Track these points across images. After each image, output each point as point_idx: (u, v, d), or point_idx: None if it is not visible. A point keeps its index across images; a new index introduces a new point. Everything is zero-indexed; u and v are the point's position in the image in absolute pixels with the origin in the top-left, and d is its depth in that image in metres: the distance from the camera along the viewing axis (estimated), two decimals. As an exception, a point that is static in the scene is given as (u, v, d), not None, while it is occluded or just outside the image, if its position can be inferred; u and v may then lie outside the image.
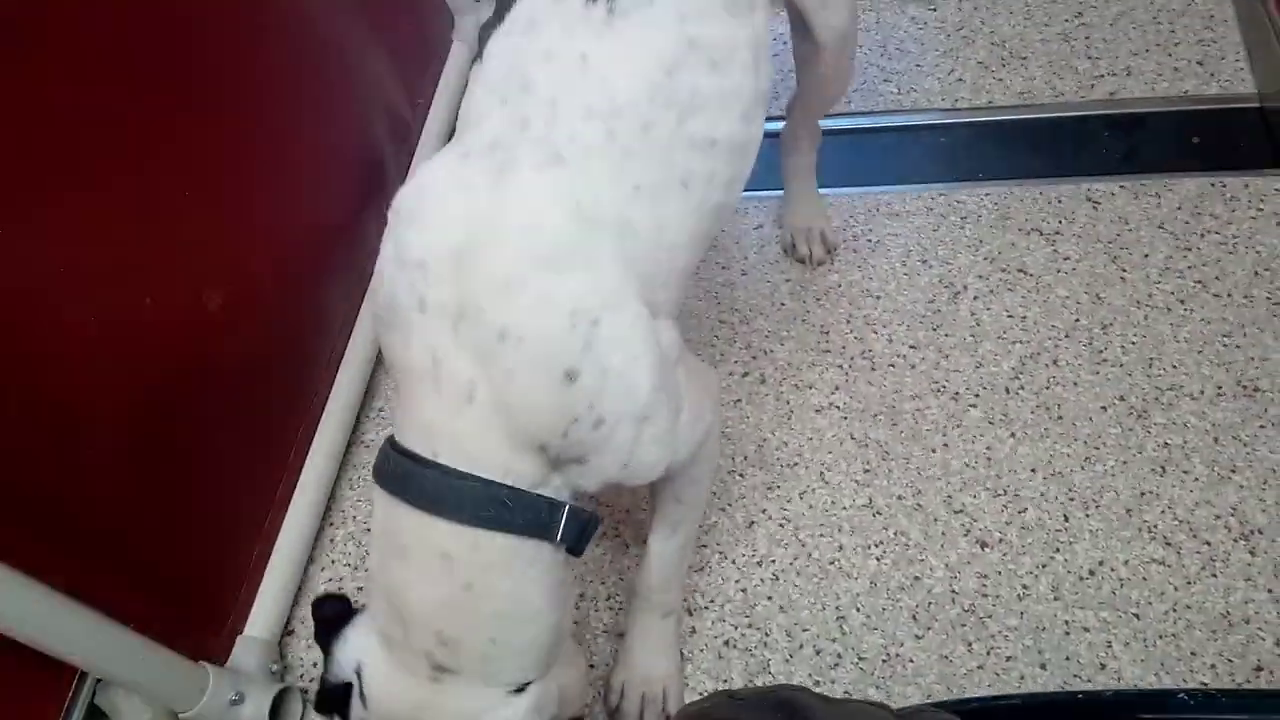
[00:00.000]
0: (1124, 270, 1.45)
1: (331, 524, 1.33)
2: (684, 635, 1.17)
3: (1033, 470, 1.26)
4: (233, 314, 1.13)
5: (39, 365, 0.88)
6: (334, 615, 0.84)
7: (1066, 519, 1.21)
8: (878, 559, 1.21)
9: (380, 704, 0.80)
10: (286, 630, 1.22)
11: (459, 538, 0.74)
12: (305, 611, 1.24)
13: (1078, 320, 1.40)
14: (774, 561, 1.22)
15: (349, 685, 0.81)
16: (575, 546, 0.80)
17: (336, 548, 1.31)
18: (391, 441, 0.79)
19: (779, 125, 1.51)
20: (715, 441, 0.96)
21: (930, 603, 1.16)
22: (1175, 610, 1.12)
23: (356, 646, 0.81)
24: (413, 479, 0.76)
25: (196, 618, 1.12)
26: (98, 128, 0.93)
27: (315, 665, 1.19)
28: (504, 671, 0.78)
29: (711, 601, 1.20)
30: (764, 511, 1.27)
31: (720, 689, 0.71)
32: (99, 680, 1.02)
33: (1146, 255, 1.46)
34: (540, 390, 0.74)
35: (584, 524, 0.80)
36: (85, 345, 0.93)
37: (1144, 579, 1.15)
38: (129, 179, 0.97)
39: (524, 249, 0.73)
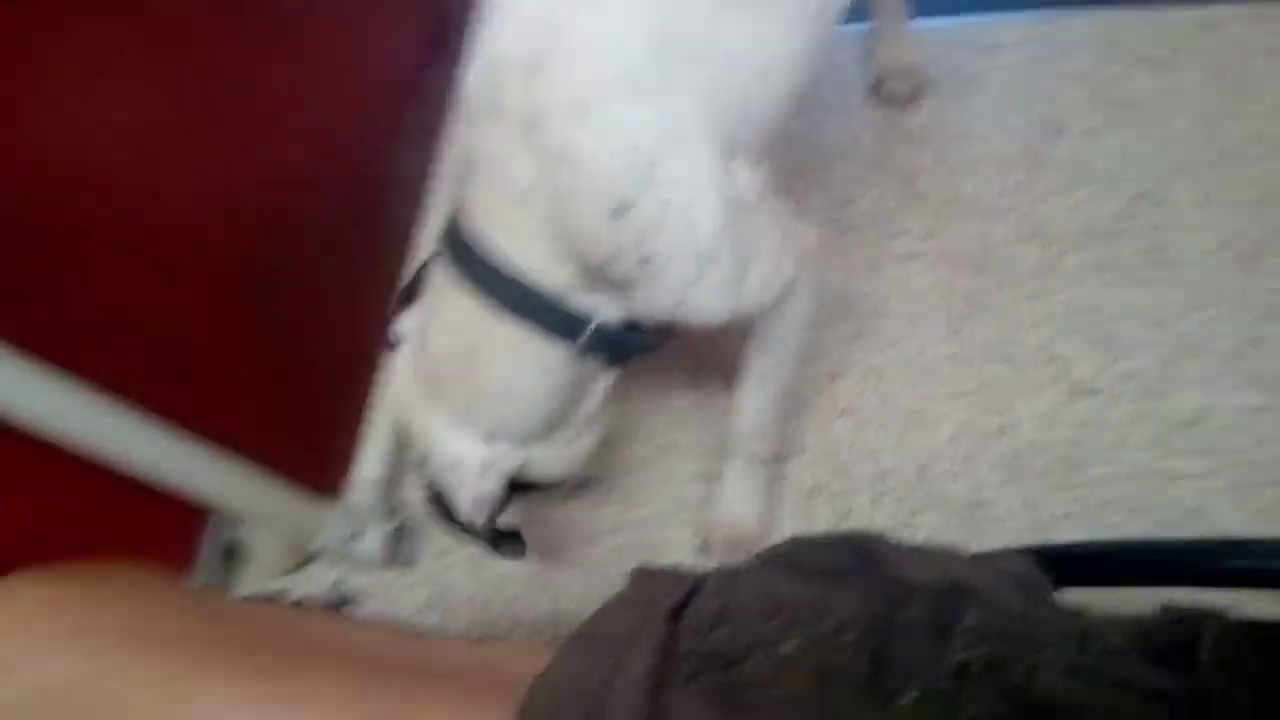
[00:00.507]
0: (1239, 103, 1.36)
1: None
2: (773, 481, 1.18)
3: (1134, 317, 1.22)
4: (316, 171, 1.13)
5: (149, 220, 0.90)
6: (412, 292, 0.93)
7: (1167, 366, 1.17)
8: (967, 408, 1.20)
9: (394, 386, 0.93)
10: (401, 470, 1.27)
11: (477, 311, 0.80)
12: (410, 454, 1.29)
13: (1188, 158, 1.32)
14: (859, 411, 1.22)
15: None
16: (612, 360, 0.87)
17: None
18: (457, 216, 0.83)
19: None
20: (806, 298, 0.94)
21: (1018, 451, 1.16)
22: (1278, 458, 1.09)
23: (406, 327, 0.91)
24: (457, 248, 0.81)
25: (319, 457, 1.17)
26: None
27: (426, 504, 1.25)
28: (479, 424, 0.86)
29: (797, 450, 1.21)
30: (849, 361, 1.26)
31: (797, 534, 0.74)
32: (229, 517, 1.09)
33: (1264, 86, 1.37)
34: (588, 217, 0.74)
35: (618, 342, 0.85)
36: (193, 198, 0.95)
37: (1247, 426, 1.12)
38: (219, 45, 0.97)
39: (599, 71, 0.72)
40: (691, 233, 0.76)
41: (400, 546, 1.20)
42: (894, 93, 1.48)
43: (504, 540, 0.92)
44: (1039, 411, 1.18)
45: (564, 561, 1.18)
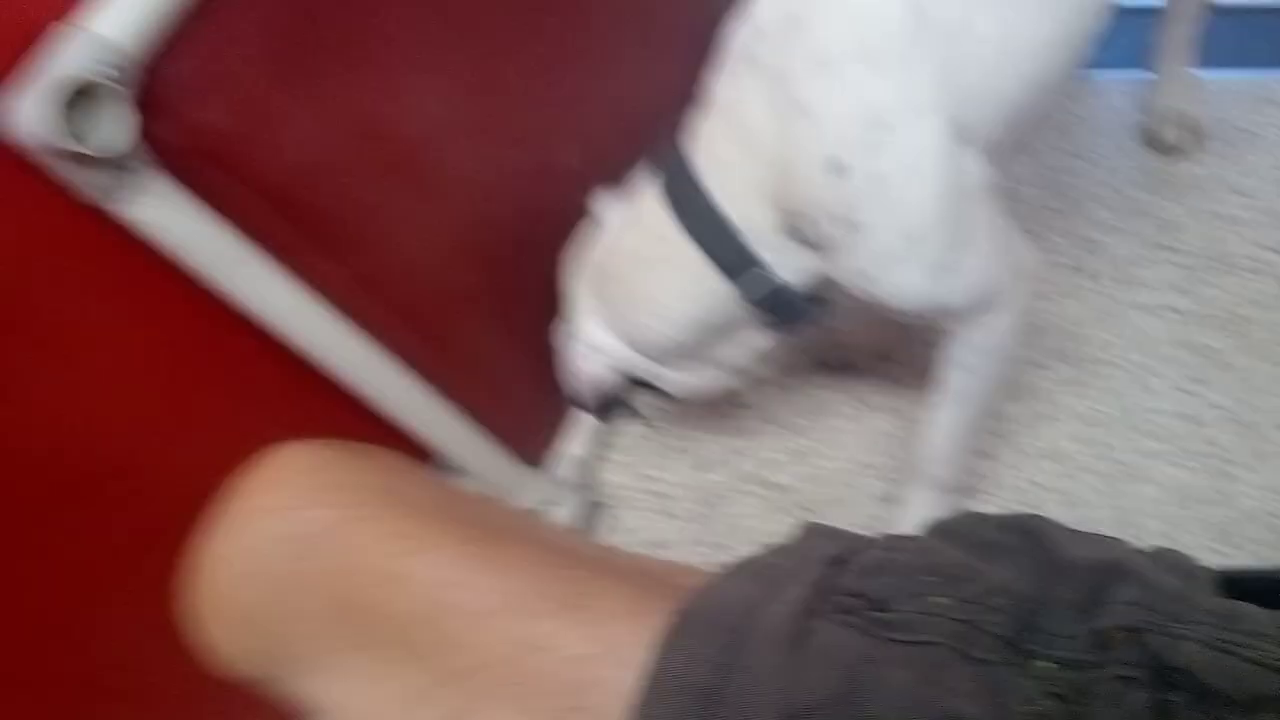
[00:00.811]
0: None
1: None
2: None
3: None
4: (587, 172, 1.24)
5: (438, 200, 1.03)
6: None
7: None
8: (1190, 470, 1.13)
9: (576, 253, 1.05)
10: (598, 454, 1.38)
11: (668, 228, 0.86)
12: (616, 439, 1.39)
13: None
14: (1069, 458, 1.18)
15: None
16: (776, 320, 0.91)
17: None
18: (678, 139, 0.89)
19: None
20: (1013, 314, 0.91)
21: (1240, 520, 1.08)
22: None
23: (604, 211, 1.03)
24: (672, 167, 0.87)
25: (529, 431, 1.28)
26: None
27: (620, 487, 1.34)
28: (616, 320, 0.96)
29: (992, 487, 1.19)
30: (1064, 405, 1.22)
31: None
32: (443, 466, 1.22)
33: None
34: (808, 169, 0.77)
35: (788, 305, 0.88)
36: (469, 187, 1.07)
37: None
38: (508, 46, 1.08)
39: (850, 32, 0.74)
40: (905, 207, 0.76)
41: (590, 524, 1.28)
42: (1167, 141, 1.41)
43: (607, 412, 1.03)
44: (1265, 483, 1.09)
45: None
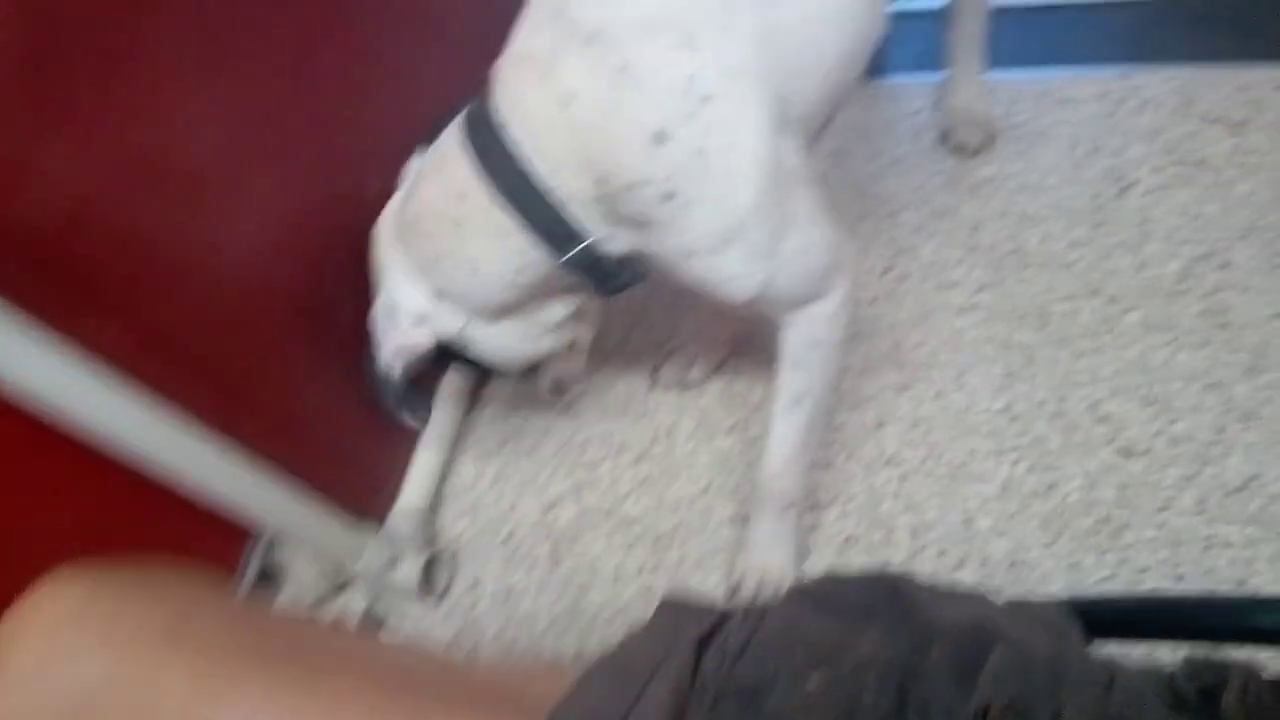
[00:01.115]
0: (1317, 165, 1.32)
1: (476, 406, 1.41)
2: (806, 530, 1.19)
3: (1189, 379, 1.18)
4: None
5: (227, 243, 0.95)
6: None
7: (1221, 431, 1.14)
8: (1012, 464, 1.19)
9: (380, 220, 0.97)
10: (436, 503, 1.32)
11: (476, 187, 0.82)
12: (453, 484, 1.34)
13: (1257, 220, 1.28)
14: (903, 462, 1.22)
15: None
16: (601, 288, 0.89)
17: (481, 428, 1.39)
18: (483, 96, 0.84)
19: (943, 2, 1.43)
20: (840, 304, 0.92)
21: (1063, 510, 1.13)
22: (1334, 532, 1.05)
23: (411, 170, 0.96)
24: (478, 123, 0.82)
25: (362, 485, 1.22)
26: (281, 19, 0.98)
27: (460, 536, 1.29)
28: (433, 280, 0.90)
29: (835, 498, 1.21)
30: (895, 411, 1.26)
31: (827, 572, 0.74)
32: (270, 541, 1.14)
33: (1345, 148, 1.32)
34: (628, 137, 0.75)
35: (608, 270, 0.86)
36: (267, 222, 1.01)
37: (1300, 498, 1.08)
38: (300, 67, 1.03)
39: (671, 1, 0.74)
40: (726, 181, 0.76)
41: (434, 577, 1.23)
42: (964, 142, 1.48)
43: (410, 401, 0.97)
44: (1087, 471, 1.15)
45: (593, 601, 1.20)
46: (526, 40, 0.81)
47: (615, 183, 0.77)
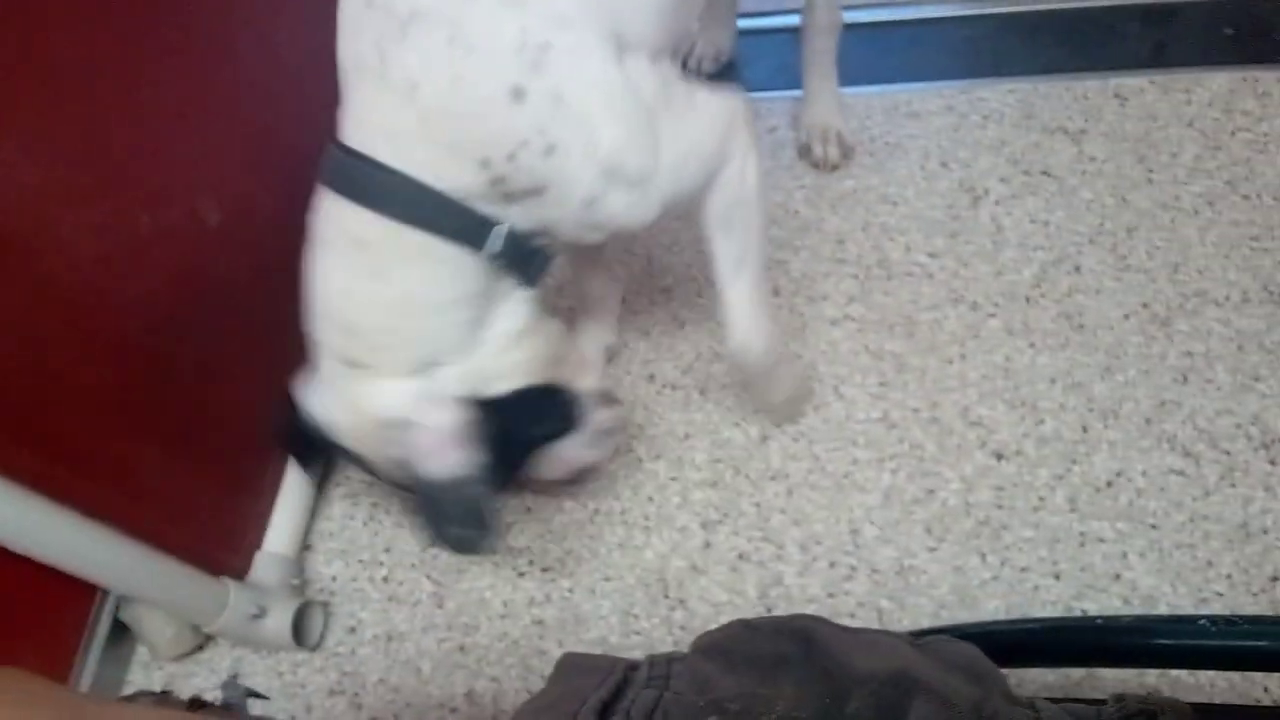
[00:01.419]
0: (1151, 171, 1.40)
1: (345, 441, 1.33)
2: (698, 549, 1.17)
3: (1052, 381, 1.23)
4: (232, 228, 1.11)
5: (41, 286, 0.86)
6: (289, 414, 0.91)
7: (1085, 430, 1.19)
8: (892, 472, 1.21)
9: (332, 421, 0.88)
10: (305, 545, 1.23)
11: (377, 226, 0.77)
12: (322, 526, 1.25)
13: (1102, 224, 1.36)
14: (788, 476, 1.22)
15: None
16: (526, 276, 0.87)
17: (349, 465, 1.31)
18: (333, 138, 0.80)
19: (796, 19, 1.45)
20: (742, 157, 0.93)
21: (944, 515, 1.16)
22: (1192, 521, 1.11)
23: (314, 396, 0.89)
24: (343, 169, 0.78)
25: (216, 535, 1.12)
26: (84, 44, 0.89)
27: (334, 579, 1.21)
28: (403, 360, 0.83)
29: (725, 516, 1.20)
30: (778, 426, 1.26)
31: (737, 618, 0.72)
32: (121, 596, 1.04)
33: (1175, 155, 1.41)
34: (485, 103, 0.74)
35: (529, 251, 0.84)
36: (86, 265, 0.91)
37: (1162, 489, 1.14)
38: (119, 95, 0.94)
39: None
40: (588, 123, 0.77)
41: (306, 626, 1.15)
42: (822, 157, 1.50)
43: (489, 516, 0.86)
44: (963, 475, 1.18)
45: (480, 638, 1.15)
46: (348, 48, 0.78)
47: (497, 157, 0.76)
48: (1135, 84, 1.50)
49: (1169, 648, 0.47)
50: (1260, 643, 0.53)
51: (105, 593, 1.03)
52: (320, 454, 0.92)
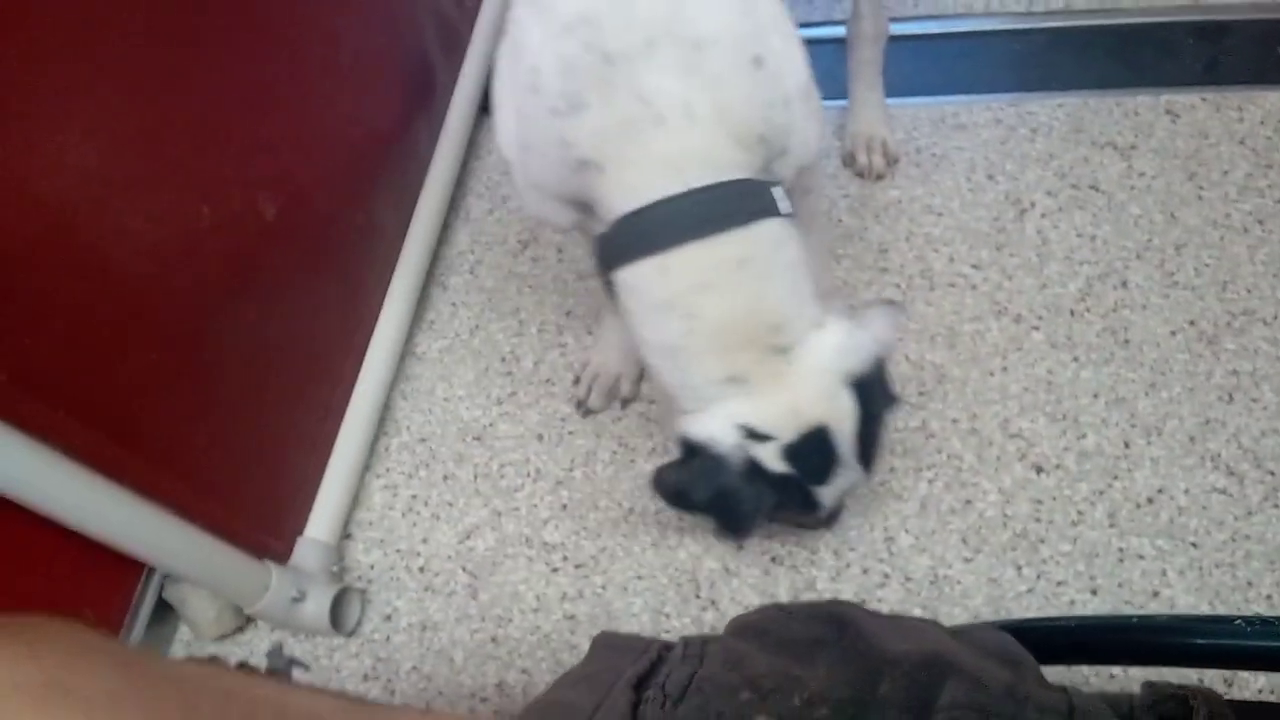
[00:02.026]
0: (1201, 188, 1.39)
1: (386, 434, 1.35)
2: (731, 550, 1.17)
3: (1094, 395, 1.23)
4: (288, 222, 1.13)
5: (103, 272, 0.89)
6: (672, 472, 0.90)
7: (1127, 446, 1.18)
8: (929, 481, 1.20)
9: (777, 426, 0.85)
10: (345, 534, 1.25)
11: (746, 239, 0.80)
12: (362, 515, 1.27)
13: (1150, 240, 1.34)
14: (824, 481, 1.22)
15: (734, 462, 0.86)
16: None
17: (391, 456, 1.33)
18: (622, 220, 0.81)
19: (841, 30, 1.46)
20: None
21: (981, 526, 1.15)
22: (1234, 540, 1.10)
23: (716, 423, 0.85)
24: (684, 215, 0.79)
25: (261, 519, 1.14)
26: (151, 38, 0.92)
27: (372, 568, 1.23)
28: (809, 316, 0.85)
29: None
30: (815, 431, 1.26)
31: (770, 603, 0.74)
32: (167, 576, 1.06)
33: (1226, 172, 1.40)
34: (743, 82, 0.80)
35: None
36: (147, 253, 0.94)
37: (1204, 508, 1.12)
38: (183, 89, 0.97)
39: None
40: (797, 67, 0.85)
41: (344, 612, 1.17)
42: (866, 166, 1.50)
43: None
44: (1001, 487, 1.18)
45: (513, 630, 1.16)
46: (597, 122, 0.79)
47: (764, 127, 0.82)
48: (1187, 100, 1.48)
49: (1204, 647, 0.47)
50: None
51: (151, 571, 1.06)
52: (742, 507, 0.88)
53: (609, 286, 0.88)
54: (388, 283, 1.39)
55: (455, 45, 1.61)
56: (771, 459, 0.86)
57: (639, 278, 0.82)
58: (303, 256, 1.18)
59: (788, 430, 0.85)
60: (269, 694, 0.46)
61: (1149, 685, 0.42)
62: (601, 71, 0.77)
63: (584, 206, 0.88)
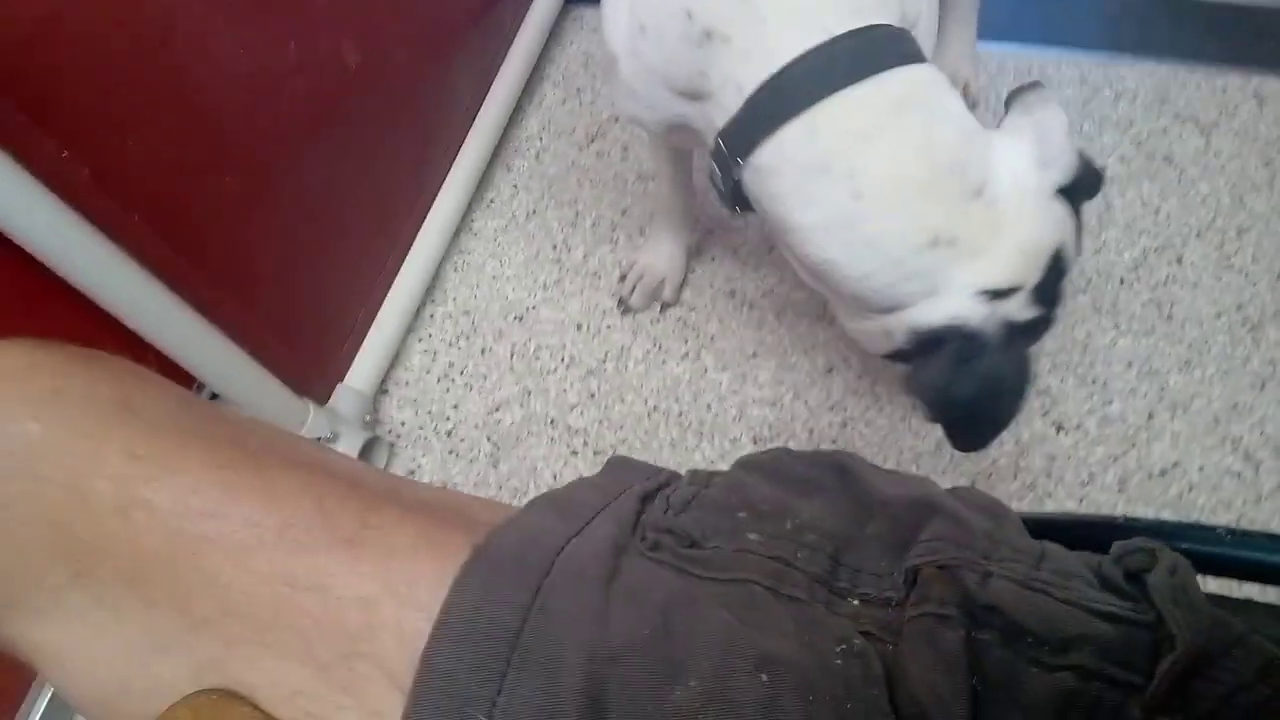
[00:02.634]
0: (1276, 175, 1.36)
1: (433, 301, 1.39)
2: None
3: (1128, 364, 1.23)
4: (369, 75, 1.16)
5: (193, 91, 0.92)
6: (928, 373, 0.79)
7: (1150, 417, 1.19)
8: (949, 423, 1.22)
9: (1018, 274, 0.76)
10: (381, 389, 1.31)
11: (902, 79, 0.74)
12: (399, 374, 1.33)
13: (1214, 220, 1.33)
14: (845, 409, 1.25)
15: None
16: None
17: (435, 323, 1.38)
18: (756, 92, 0.75)
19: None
20: None
21: (992, 472, 1.18)
22: (1238, 522, 1.11)
23: (953, 300, 0.76)
24: (831, 63, 0.73)
25: (307, 359, 1.20)
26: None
27: (403, 424, 1.28)
28: (983, 143, 0.78)
29: (778, 435, 1.23)
30: (845, 360, 1.28)
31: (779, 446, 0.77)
32: (214, 395, 1.12)
33: (1304, 165, 1.37)
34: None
35: None
36: (234, 80, 0.97)
37: (1214, 487, 1.14)
38: None
39: None
40: None
41: (371, 460, 1.22)
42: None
43: None
44: (1019, 439, 1.20)
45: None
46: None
47: None
48: (1277, 88, 1.45)
49: (1185, 551, 0.49)
50: (1276, 558, 0.54)
51: (200, 388, 1.11)
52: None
53: (736, 194, 0.82)
54: (455, 155, 1.41)
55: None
56: (1020, 310, 0.77)
57: (780, 152, 0.75)
58: (379, 111, 1.21)
59: (1031, 273, 0.76)
60: (311, 446, 0.50)
61: (1117, 544, 0.44)
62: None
63: (694, 97, 0.82)
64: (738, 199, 0.84)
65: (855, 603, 0.42)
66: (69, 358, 0.47)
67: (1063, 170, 0.77)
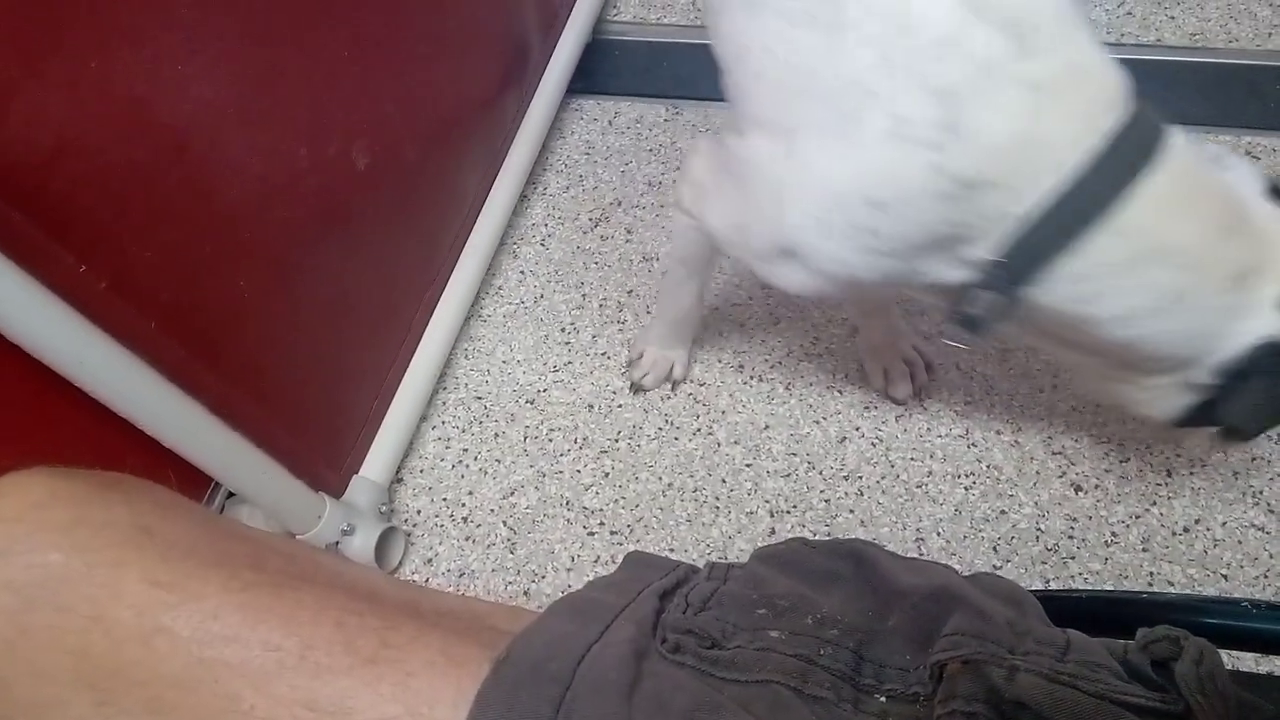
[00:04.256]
0: (1275, 231, 1.38)
1: (445, 388, 1.40)
2: (763, 534, 1.20)
3: (1143, 423, 1.23)
4: (378, 174, 1.19)
5: (207, 197, 0.95)
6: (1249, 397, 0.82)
7: (1169, 474, 1.18)
8: (966, 489, 1.22)
9: None
10: (396, 478, 1.31)
11: (1177, 148, 0.76)
12: (413, 462, 1.33)
13: (1215, 276, 1.34)
14: (861, 477, 1.24)
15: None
16: None
17: (447, 410, 1.38)
18: (1036, 220, 0.74)
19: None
20: None
21: (1013, 537, 1.17)
22: (1265, 576, 1.10)
23: (1258, 320, 0.78)
24: (1117, 160, 0.73)
25: (322, 453, 1.20)
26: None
27: (419, 513, 1.28)
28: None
29: (794, 507, 1.23)
30: (858, 429, 1.28)
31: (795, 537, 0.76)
32: (229, 495, 1.12)
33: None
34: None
35: None
36: (247, 185, 1.00)
37: (1239, 542, 1.12)
38: (299, 38, 1.03)
39: None
40: None
41: (388, 551, 1.22)
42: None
43: None
44: (1038, 501, 1.19)
45: (545, 586, 1.21)
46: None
47: None
48: (1269, 143, 1.48)
49: (1212, 626, 0.49)
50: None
51: (215, 489, 1.12)
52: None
53: (1000, 316, 0.81)
54: (463, 245, 1.44)
55: (552, 25, 1.67)
56: None
57: (1086, 259, 0.74)
58: (388, 208, 1.24)
59: None
60: (330, 561, 0.50)
61: (1142, 632, 0.44)
62: (979, 76, 0.71)
63: (943, 248, 0.79)
64: (992, 322, 0.83)
65: (882, 699, 0.42)
66: (88, 485, 0.48)
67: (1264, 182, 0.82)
